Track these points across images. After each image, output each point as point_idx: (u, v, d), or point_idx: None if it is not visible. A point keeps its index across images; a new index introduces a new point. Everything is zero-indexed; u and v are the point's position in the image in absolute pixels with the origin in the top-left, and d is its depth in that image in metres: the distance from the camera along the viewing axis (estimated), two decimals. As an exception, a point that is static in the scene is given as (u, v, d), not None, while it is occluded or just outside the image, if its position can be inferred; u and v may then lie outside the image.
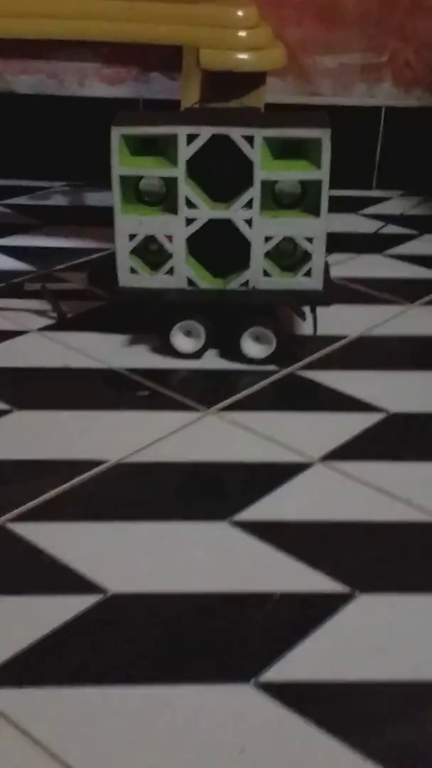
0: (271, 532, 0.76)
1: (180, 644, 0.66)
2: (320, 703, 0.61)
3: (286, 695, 0.62)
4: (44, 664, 0.64)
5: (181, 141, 0.96)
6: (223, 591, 0.70)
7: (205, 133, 0.96)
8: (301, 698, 0.62)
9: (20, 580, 0.71)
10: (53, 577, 0.71)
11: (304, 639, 0.66)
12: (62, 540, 0.75)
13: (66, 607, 0.68)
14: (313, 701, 0.62)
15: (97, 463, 0.85)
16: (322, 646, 0.66)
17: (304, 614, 0.68)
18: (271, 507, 0.80)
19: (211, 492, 0.82)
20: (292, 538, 0.76)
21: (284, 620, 0.68)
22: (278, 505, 0.80)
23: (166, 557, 0.74)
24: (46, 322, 1.10)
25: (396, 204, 1.52)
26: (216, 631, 0.67)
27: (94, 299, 1.13)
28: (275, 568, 0.73)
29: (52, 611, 0.68)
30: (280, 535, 0.76)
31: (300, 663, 0.64)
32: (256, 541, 0.76)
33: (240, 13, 1.15)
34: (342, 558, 0.74)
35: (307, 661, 0.65)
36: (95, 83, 1.51)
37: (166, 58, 1.42)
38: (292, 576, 0.72)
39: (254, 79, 1.21)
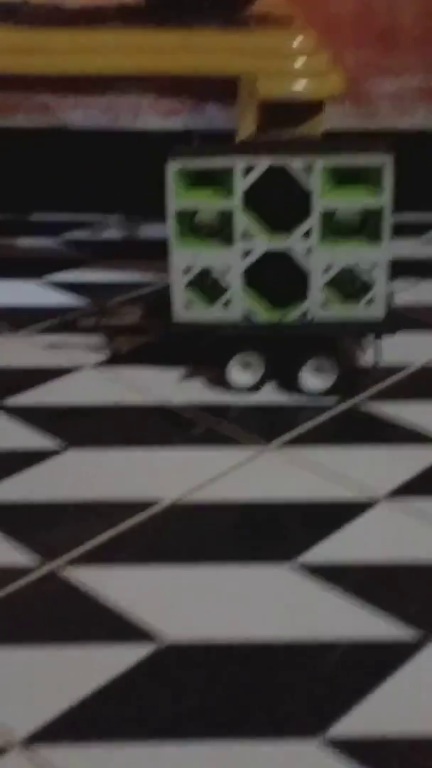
0: (335, 576, 0.73)
1: (240, 698, 0.62)
2: (390, 761, 0.57)
3: (354, 752, 0.58)
4: (98, 718, 0.61)
5: (238, 173, 0.94)
6: (286, 640, 0.67)
7: (262, 164, 0.94)
8: (370, 755, 0.58)
9: (73, 629, 0.68)
10: (107, 625, 0.68)
11: (372, 692, 0.62)
12: (117, 585, 0.72)
13: (120, 658, 0.65)
14: (383, 758, 0.57)
15: (152, 504, 0.82)
16: (392, 698, 0.62)
17: (373, 664, 0.64)
18: (336, 548, 0.76)
19: (271, 533, 0.79)
20: (359, 581, 0.72)
21: (351, 671, 0.64)
22: (343, 547, 0.76)
23: (225, 603, 0.70)
24: (100, 358, 1.08)
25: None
26: (279, 684, 0.63)
27: (149, 334, 1.11)
28: (340, 614, 0.69)
29: (106, 662, 0.65)
30: (346, 579, 0.72)
31: (368, 717, 0.60)
32: (320, 586, 0.72)
33: (297, 41, 1.13)
34: (411, 602, 0.70)
35: (376, 715, 0.60)
36: (149, 116, 1.51)
37: (221, 88, 1.40)
38: (359, 623, 0.68)
39: (312, 107, 1.18)
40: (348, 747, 0.58)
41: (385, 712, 0.61)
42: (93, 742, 0.59)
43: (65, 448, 0.90)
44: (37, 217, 1.54)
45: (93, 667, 0.65)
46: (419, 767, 0.57)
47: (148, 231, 1.49)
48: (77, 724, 0.60)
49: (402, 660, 0.65)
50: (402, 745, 0.59)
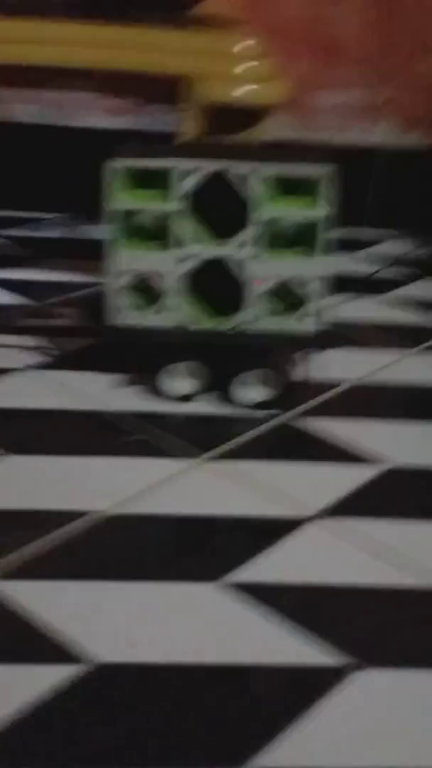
0: (265, 596, 0.72)
1: (169, 722, 0.61)
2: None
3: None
4: (22, 743, 0.59)
5: (177, 176, 0.93)
6: (215, 663, 0.66)
7: (203, 168, 0.93)
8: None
9: (-4, 646, 0.67)
10: (33, 643, 0.67)
11: (298, 718, 0.62)
12: (44, 600, 0.71)
13: (47, 678, 0.64)
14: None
15: (83, 514, 0.80)
16: (320, 727, 0.61)
17: (300, 690, 0.64)
18: (266, 567, 0.75)
19: (203, 548, 0.78)
20: (288, 602, 0.72)
21: (278, 696, 0.63)
22: (273, 565, 0.76)
23: (154, 623, 0.69)
24: (38, 359, 1.06)
25: (393, 246, 1.49)
26: (206, 709, 0.62)
27: (87, 336, 1.09)
28: (270, 636, 0.68)
29: (31, 683, 0.63)
30: (275, 599, 0.72)
31: (296, 746, 0.60)
32: (249, 606, 0.71)
33: (242, 45, 1.12)
34: (341, 625, 0.70)
35: (304, 744, 0.60)
36: (94, 114, 1.49)
37: (166, 89, 1.39)
38: (288, 645, 0.68)
39: (255, 113, 1.18)
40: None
41: (311, 740, 0.60)
42: (12, 768, 0.58)
43: (-6, 455, 0.88)
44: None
45: (16, 687, 0.63)
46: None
47: (91, 231, 1.46)
48: (1, 749, 0.59)
49: (329, 687, 0.64)
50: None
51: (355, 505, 0.84)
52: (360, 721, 0.62)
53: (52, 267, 1.32)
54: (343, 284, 1.30)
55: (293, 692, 0.64)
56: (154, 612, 0.70)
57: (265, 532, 0.79)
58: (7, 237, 1.42)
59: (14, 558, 0.75)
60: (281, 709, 0.62)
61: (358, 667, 0.66)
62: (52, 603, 0.70)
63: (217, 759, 0.59)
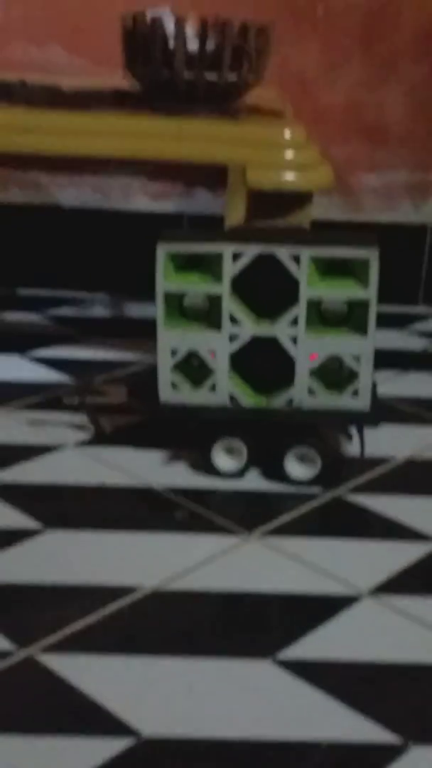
0: (316, 673, 0.71)
1: (218, 801, 0.60)
2: None
3: None
4: None
5: (227, 259, 0.95)
6: (264, 739, 0.65)
7: (251, 251, 0.95)
8: None
9: (46, 719, 0.66)
10: (82, 716, 0.66)
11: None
12: (93, 674, 0.70)
13: (94, 752, 0.63)
14: None
15: (131, 590, 0.80)
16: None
17: (354, 767, 0.63)
18: (317, 645, 0.74)
19: (252, 626, 0.77)
20: (340, 680, 0.71)
21: (332, 776, 0.62)
22: (324, 643, 0.75)
23: (202, 698, 0.69)
24: (83, 436, 1.07)
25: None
26: (257, 788, 0.61)
27: (134, 414, 1.11)
28: (321, 713, 0.67)
29: (79, 756, 0.63)
30: (326, 677, 0.71)
31: None
32: (301, 683, 0.70)
33: (287, 133, 1.16)
34: (393, 704, 0.68)
35: None
36: (140, 198, 1.54)
37: (212, 174, 1.43)
38: (339, 723, 0.66)
39: (301, 198, 1.21)
40: None
41: None
42: None
43: (44, 529, 0.89)
44: (24, 292, 1.55)
45: (67, 760, 0.62)
46: None
47: (136, 310, 1.50)
48: None
49: (380, 764, 0.63)
50: None
51: (406, 582, 0.83)
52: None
53: (100, 345, 1.34)
54: (395, 360, 1.31)
55: (348, 773, 0.62)
56: (203, 688, 0.70)
57: (317, 610, 0.79)
58: (54, 317, 1.46)
59: (63, 632, 0.75)
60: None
61: (409, 745, 0.64)
62: (100, 677, 0.70)
63: None
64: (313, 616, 0.78)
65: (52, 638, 0.74)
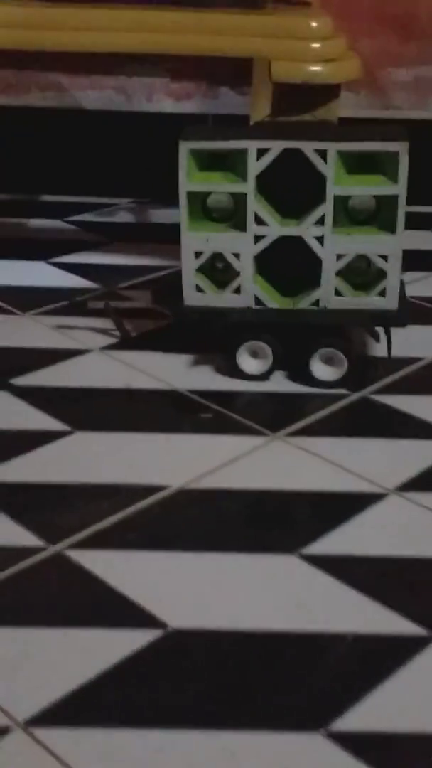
0: (342, 568, 0.72)
1: (244, 687, 0.62)
2: (394, 756, 0.57)
3: (359, 746, 0.57)
4: (98, 703, 0.60)
5: (251, 155, 0.93)
6: (291, 630, 0.66)
7: (276, 147, 0.92)
8: (376, 750, 0.57)
9: (75, 612, 0.68)
10: (110, 609, 0.68)
11: (378, 686, 0.61)
12: (120, 570, 0.72)
13: (123, 643, 0.65)
14: (389, 753, 0.57)
15: (159, 489, 0.81)
16: (399, 693, 0.61)
17: (379, 658, 0.64)
18: (343, 540, 0.75)
19: (278, 522, 0.78)
20: (366, 574, 0.71)
21: (357, 665, 0.63)
22: (350, 538, 0.75)
23: (229, 592, 0.70)
24: (108, 341, 1.07)
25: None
26: (283, 675, 0.62)
27: (159, 318, 1.10)
28: (347, 606, 0.68)
29: (108, 646, 0.64)
30: (353, 571, 0.71)
31: (374, 712, 0.60)
32: (327, 577, 0.71)
33: (313, 24, 1.11)
34: (420, 598, 0.69)
35: (383, 710, 0.60)
36: (163, 99, 1.49)
37: (236, 72, 1.39)
38: (366, 616, 0.67)
39: (327, 92, 1.17)
40: (351, 741, 0.58)
41: (389, 708, 0.60)
42: (94, 727, 0.58)
43: (73, 431, 0.90)
44: (47, 198, 1.53)
45: (96, 651, 0.64)
46: (422, 764, 0.56)
47: (161, 215, 1.47)
48: (79, 708, 0.60)
49: (408, 657, 0.64)
50: (406, 741, 0.58)
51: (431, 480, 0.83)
52: (441, 691, 0.61)
53: (123, 251, 1.33)
54: (424, 261, 1.28)
55: (369, 661, 0.63)
56: (228, 581, 0.71)
57: (343, 506, 0.79)
58: (79, 223, 1.44)
59: (91, 530, 0.76)
60: (357, 677, 0.62)
61: (439, 639, 0.65)
62: (127, 572, 0.71)
63: (294, 724, 0.59)
64: (339, 513, 0.78)
65: (81, 535, 0.75)
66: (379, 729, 0.59)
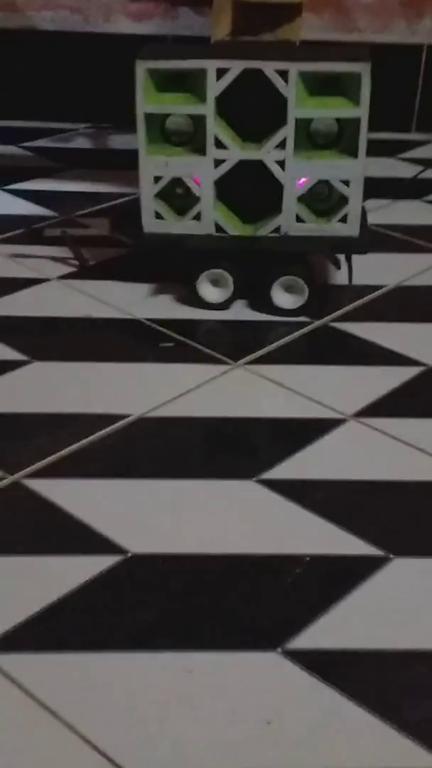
0: (300, 492, 0.72)
1: (203, 609, 0.62)
2: (351, 673, 0.58)
3: (315, 664, 0.58)
4: (59, 627, 0.61)
5: (211, 76, 0.90)
6: (249, 553, 0.67)
7: (236, 67, 0.90)
8: (331, 667, 0.58)
9: (35, 539, 0.67)
10: (70, 536, 0.68)
11: (334, 605, 0.62)
12: (80, 497, 0.71)
13: (84, 568, 0.65)
14: (344, 670, 0.58)
15: (119, 418, 0.80)
16: (354, 612, 0.62)
17: (335, 578, 0.64)
18: (301, 465, 0.75)
19: (237, 449, 0.78)
20: (323, 498, 0.72)
21: (314, 585, 0.64)
22: (309, 464, 0.76)
23: (189, 517, 0.70)
24: (66, 269, 1.05)
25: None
26: (241, 596, 0.63)
27: (118, 246, 1.08)
28: (304, 529, 0.69)
29: (69, 572, 0.64)
30: (310, 495, 0.72)
31: (330, 630, 0.61)
32: (285, 501, 0.71)
33: None
34: (375, 519, 0.70)
35: (338, 628, 0.61)
36: (121, 19, 1.45)
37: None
38: (322, 538, 0.68)
39: (289, 12, 1.14)
40: (307, 659, 0.59)
41: (342, 627, 0.61)
42: (54, 652, 0.59)
43: (30, 360, 0.88)
44: (0, 123, 1.49)
45: (54, 576, 0.64)
46: (374, 680, 0.58)
47: (120, 141, 1.44)
48: (40, 634, 0.60)
49: (364, 576, 0.65)
50: (360, 658, 0.59)
51: (392, 405, 0.83)
52: (394, 606, 0.62)
53: (81, 178, 1.30)
54: (386, 188, 1.27)
55: (327, 580, 0.64)
56: (189, 506, 0.71)
57: (301, 433, 0.79)
58: (35, 149, 1.41)
59: (50, 459, 0.75)
60: (315, 596, 0.63)
61: (390, 557, 0.66)
62: (87, 500, 0.71)
63: (250, 643, 0.59)
64: (298, 440, 0.78)
65: (40, 464, 0.75)
66: (334, 647, 0.59)
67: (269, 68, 0.89)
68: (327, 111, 0.91)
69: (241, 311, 0.97)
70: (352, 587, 0.64)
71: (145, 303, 0.99)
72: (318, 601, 0.63)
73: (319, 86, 0.92)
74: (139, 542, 0.67)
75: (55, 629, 0.60)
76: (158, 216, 0.96)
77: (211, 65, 0.90)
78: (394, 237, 1.15)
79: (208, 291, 0.97)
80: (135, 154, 0.94)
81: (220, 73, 0.90)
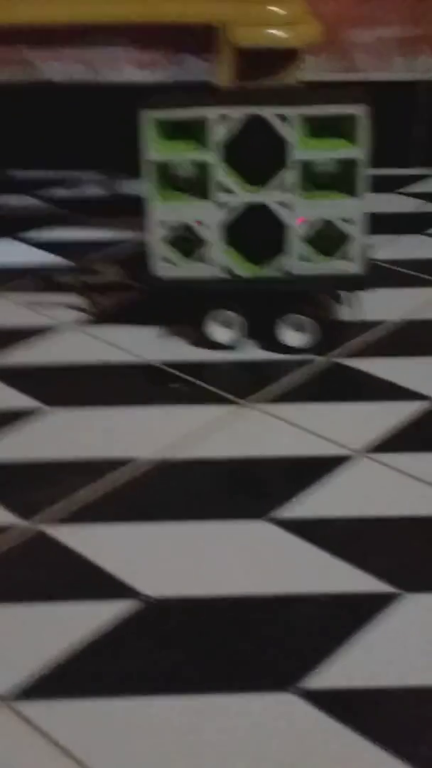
0: (312, 530, 0.73)
1: (221, 651, 0.63)
2: (367, 711, 0.58)
3: (330, 703, 0.59)
4: (79, 674, 0.62)
5: (212, 123, 0.92)
6: (264, 593, 0.67)
7: (237, 113, 0.92)
8: (346, 706, 0.58)
9: (55, 586, 0.69)
10: (89, 581, 0.69)
11: (348, 643, 0.63)
12: (98, 542, 0.73)
13: (102, 613, 0.66)
14: (359, 709, 0.58)
15: (131, 461, 0.82)
16: (368, 650, 0.62)
17: (349, 617, 0.65)
18: (313, 503, 0.76)
19: (249, 489, 0.79)
20: (335, 535, 0.73)
21: (328, 624, 0.65)
22: (320, 501, 0.76)
23: (204, 559, 0.71)
24: (80, 316, 1.07)
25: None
26: (257, 637, 0.64)
27: (130, 291, 1.10)
28: (317, 567, 0.70)
29: (87, 618, 0.65)
30: (322, 533, 0.73)
31: (345, 669, 0.61)
32: (297, 540, 0.72)
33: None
34: (387, 556, 0.70)
35: (353, 666, 0.61)
36: (127, 68, 1.48)
37: (200, 39, 1.38)
38: (336, 576, 0.69)
39: (289, 56, 1.16)
40: (321, 698, 0.59)
41: (358, 665, 0.61)
42: (75, 698, 0.60)
43: (46, 408, 0.90)
44: (15, 173, 1.52)
45: (74, 622, 0.65)
46: (391, 718, 0.58)
47: (130, 188, 1.47)
48: (61, 680, 0.61)
49: (376, 614, 0.65)
50: (373, 696, 0.59)
51: (401, 441, 0.84)
52: (405, 643, 0.63)
53: (91, 225, 1.33)
54: (388, 224, 1.28)
55: (339, 619, 0.65)
56: (203, 548, 0.72)
57: (312, 470, 0.80)
58: (45, 197, 1.44)
59: (66, 505, 0.77)
60: (328, 634, 0.64)
61: (402, 594, 0.67)
62: (103, 544, 0.72)
63: (267, 682, 0.60)
64: (309, 477, 0.79)
65: (56, 510, 0.76)
66: (348, 685, 0.60)
67: (269, 113, 0.92)
68: (327, 152, 0.93)
69: (250, 351, 0.99)
70: (366, 625, 0.64)
71: (156, 346, 1.00)
72: (333, 640, 0.63)
73: (320, 128, 0.94)
74: (154, 586, 0.68)
75: (76, 675, 0.61)
76: (167, 260, 0.98)
77: (212, 113, 0.92)
78: (398, 272, 1.17)
79: (217, 332, 0.99)
80: (144, 200, 0.96)
81: (222, 119, 0.92)
